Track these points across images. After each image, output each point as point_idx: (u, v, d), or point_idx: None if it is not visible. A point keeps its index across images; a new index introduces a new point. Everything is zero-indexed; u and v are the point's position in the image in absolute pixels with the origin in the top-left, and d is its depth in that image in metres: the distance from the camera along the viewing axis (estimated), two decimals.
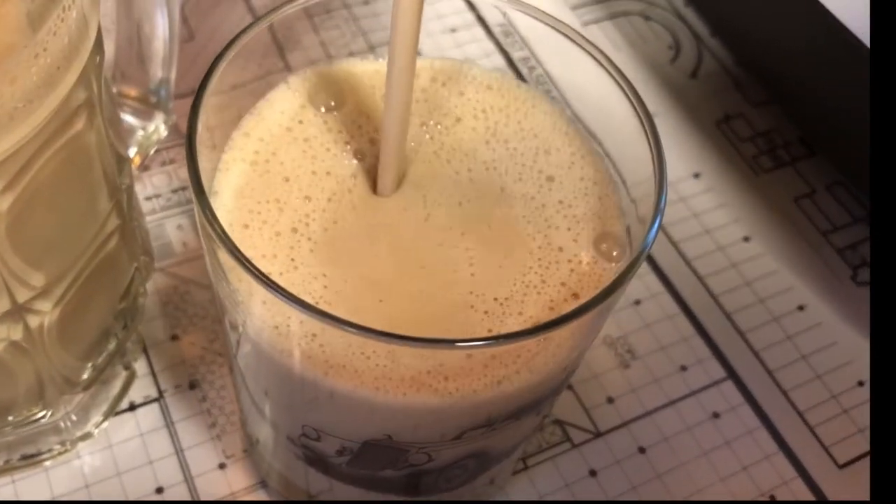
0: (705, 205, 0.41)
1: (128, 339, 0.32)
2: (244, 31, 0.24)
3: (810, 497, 0.34)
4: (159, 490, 0.32)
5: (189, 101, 0.22)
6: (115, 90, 0.34)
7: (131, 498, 0.32)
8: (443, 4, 0.44)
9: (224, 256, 0.21)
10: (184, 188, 0.39)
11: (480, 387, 0.21)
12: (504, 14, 0.27)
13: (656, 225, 0.22)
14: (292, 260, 0.23)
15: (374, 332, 0.19)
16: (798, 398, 0.36)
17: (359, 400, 0.22)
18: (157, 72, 0.33)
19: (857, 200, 0.42)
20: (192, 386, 0.34)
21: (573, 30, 0.25)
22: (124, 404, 0.34)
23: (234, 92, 0.25)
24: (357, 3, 0.44)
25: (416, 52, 0.23)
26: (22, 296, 0.25)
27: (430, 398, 0.21)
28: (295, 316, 0.20)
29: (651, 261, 0.39)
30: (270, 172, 0.24)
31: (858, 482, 0.35)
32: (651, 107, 0.24)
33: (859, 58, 0.35)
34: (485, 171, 0.25)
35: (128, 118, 0.34)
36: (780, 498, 0.34)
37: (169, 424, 0.33)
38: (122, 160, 0.28)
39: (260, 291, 0.20)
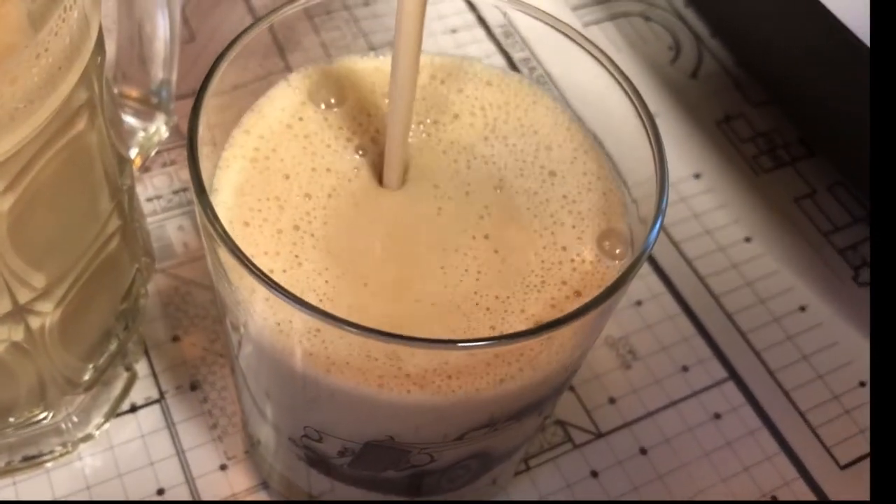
0: (706, 205, 0.41)
1: (129, 340, 0.32)
2: (245, 31, 0.24)
3: (812, 498, 0.34)
4: (160, 491, 0.32)
5: (190, 102, 0.22)
6: (116, 91, 0.34)
7: (132, 499, 0.32)
8: (444, 5, 0.44)
9: (225, 256, 0.21)
10: (185, 189, 0.39)
11: (483, 385, 0.21)
12: (505, 15, 0.27)
13: (658, 225, 0.22)
14: (296, 256, 0.23)
15: (377, 333, 0.19)
16: (799, 399, 0.36)
17: (361, 398, 0.22)
18: (158, 73, 0.33)
19: (857, 201, 0.42)
20: (194, 387, 0.34)
21: (574, 30, 0.25)
22: (125, 405, 0.34)
23: (235, 92, 0.25)
24: (357, 4, 0.44)
25: (421, 46, 0.23)
26: (23, 297, 0.25)
27: (432, 396, 0.21)
28: (297, 314, 0.20)
29: (652, 261, 0.39)
30: (270, 170, 0.24)
31: (860, 483, 0.35)
32: (651, 107, 0.24)
33: (859, 58, 0.35)
34: (484, 165, 0.25)
35: (129, 119, 0.34)
36: (781, 499, 0.34)
37: (170, 426, 0.33)
38: (124, 161, 0.28)
39: (261, 289, 0.20)
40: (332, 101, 0.26)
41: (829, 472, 0.35)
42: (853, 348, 0.38)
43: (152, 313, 0.36)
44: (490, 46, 0.43)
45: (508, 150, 0.26)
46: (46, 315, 0.26)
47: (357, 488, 0.27)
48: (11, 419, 0.29)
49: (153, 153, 0.36)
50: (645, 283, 0.39)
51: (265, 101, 0.26)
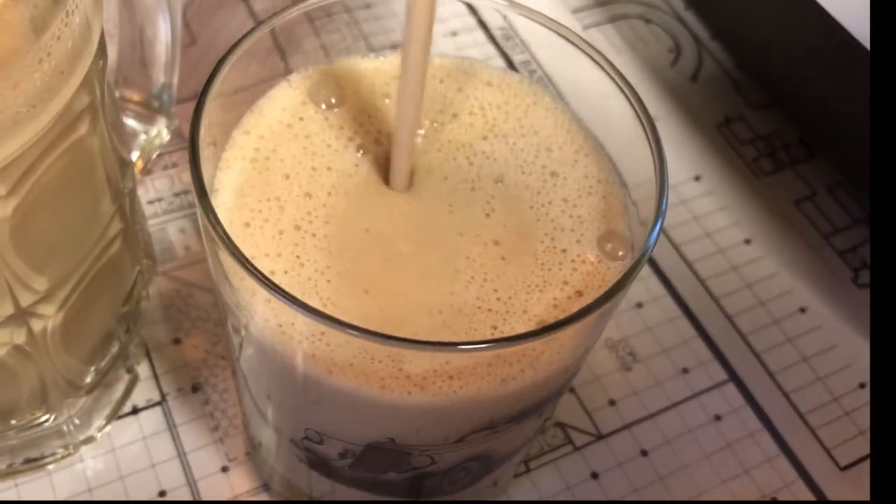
0: (706, 207, 0.41)
1: (130, 343, 0.32)
2: (246, 35, 0.24)
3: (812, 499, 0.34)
4: (162, 493, 0.32)
5: (191, 106, 0.22)
6: (117, 95, 0.34)
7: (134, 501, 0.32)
8: (444, 8, 0.43)
9: (226, 258, 0.21)
10: (186, 192, 0.39)
11: (485, 385, 0.21)
12: (505, 17, 0.27)
13: (657, 228, 0.22)
14: (297, 257, 0.23)
15: (379, 336, 0.19)
16: (799, 400, 0.36)
17: (363, 399, 0.22)
18: (159, 76, 0.33)
19: (857, 202, 0.42)
20: (195, 389, 0.34)
21: (574, 33, 0.25)
22: (127, 408, 0.34)
23: (237, 96, 0.25)
24: (358, 6, 0.44)
25: (429, 49, 0.23)
26: (25, 300, 0.25)
27: (434, 397, 0.21)
28: (299, 316, 0.20)
29: (652, 263, 0.39)
30: (271, 170, 0.24)
31: (860, 484, 0.35)
32: (651, 110, 0.24)
33: (859, 59, 0.35)
34: (486, 160, 0.25)
35: (130, 122, 0.35)
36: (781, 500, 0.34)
37: (171, 428, 0.33)
38: (125, 164, 0.28)
39: (263, 292, 0.20)
40: (333, 100, 0.26)
41: (829, 474, 0.35)
42: (853, 350, 0.38)
43: (154, 316, 0.36)
44: (490, 49, 0.44)
45: (509, 148, 0.26)
46: (48, 318, 0.26)
47: (358, 490, 0.27)
48: (13, 421, 0.29)
49: (155, 156, 0.36)
50: (645, 285, 0.39)
51: (265, 102, 0.26)
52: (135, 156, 0.35)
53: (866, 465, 0.35)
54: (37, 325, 0.26)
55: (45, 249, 0.25)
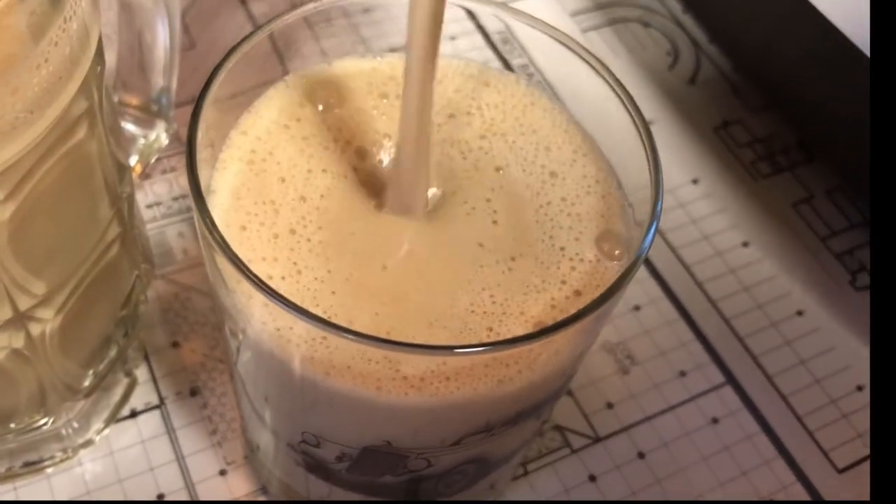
0: (704, 210, 0.41)
1: (129, 347, 0.32)
2: (244, 39, 0.24)
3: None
4: (160, 497, 0.32)
5: (190, 109, 0.22)
6: (116, 99, 0.34)
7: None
8: None
9: (223, 263, 0.21)
10: (185, 196, 0.39)
11: (481, 387, 0.22)
12: (503, 22, 0.27)
13: (652, 232, 0.22)
14: (294, 263, 0.23)
15: (376, 340, 0.19)
16: (797, 403, 0.36)
17: (359, 402, 0.22)
18: (158, 80, 0.33)
19: (855, 206, 0.42)
20: (193, 393, 0.34)
21: (570, 38, 0.25)
22: (125, 411, 0.34)
23: (235, 99, 0.25)
24: (357, 11, 0.44)
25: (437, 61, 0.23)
26: (24, 304, 0.25)
27: (430, 398, 0.21)
28: (296, 320, 0.20)
29: (650, 266, 0.39)
30: (267, 171, 0.24)
31: (858, 486, 0.35)
32: (650, 113, 0.24)
33: (857, 63, 0.35)
34: (484, 156, 0.25)
35: (129, 127, 0.35)
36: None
37: (170, 431, 0.33)
38: (123, 169, 0.28)
39: (260, 296, 0.20)
40: (331, 101, 0.26)
41: (827, 476, 0.35)
42: (850, 353, 0.38)
43: (152, 319, 0.36)
44: (489, 53, 0.44)
45: (508, 146, 0.26)
46: (47, 322, 0.26)
47: (355, 493, 0.27)
48: (12, 425, 0.29)
49: (153, 160, 0.36)
50: (643, 288, 0.39)
51: (263, 102, 0.26)
52: (133, 160, 0.35)
53: (864, 468, 0.35)
54: (35, 329, 0.26)
55: (44, 254, 0.25)
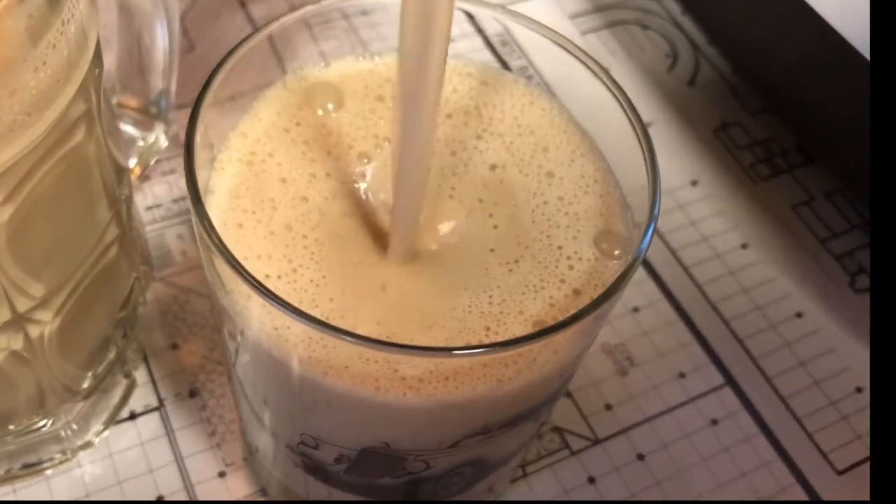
0: (703, 212, 0.41)
1: (128, 348, 0.32)
2: (243, 41, 0.24)
3: None
4: (160, 498, 0.32)
5: (189, 111, 0.22)
6: (115, 101, 0.34)
7: None
8: None
9: (221, 264, 0.21)
10: (184, 198, 0.39)
11: (480, 387, 0.22)
12: (502, 24, 0.27)
13: (650, 232, 0.22)
14: (290, 261, 0.23)
15: (373, 342, 0.19)
16: (796, 405, 0.36)
17: (358, 402, 0.22)
18: (157, 83, 0.33)
19: (854, 208, 0.42)
20: (192, 394, 0.34)
21: (569, 41, 0.25)
22: (125, 413, 0.34)
23: (234, 101, 0.25)
24: (356, 13, 0.44)
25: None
26: (22, 306, 0.25)
27: (429, 399, 0.21)
28: (294, 321, 0.20)
29: (649, 268, 0.39)
30: (267, 172, 0.24)
31: (857, 488, 0.35)
32: (649, 115, 0.24)
33: (856, 65, 0.35)
34: (480, 155, 0.25)
35: (128, 129, 0.35)
36: None
37: (169, 433, 0.33)
38: (122, 171, 0.28)
39: (258, 297, 0.20)
40: (329, 104, 0.26)
41: (826, 478, 0.35)
42: (850, 354, 0.38)
43: (151, 321, 0.36)
44: (488, 55, 0.44)
45: (505, 147, 0.26)
46: (45, 324, 0.26)
47: (354, 495, 0.27)
48: (11, 427, 0.29)
49: (152, 162, 0.36)
50: (642, 289, 0.39)
51: (262, 105, 0.26)
52: (133, 162, 0.35)
53: (863, 469, 0.35)
54: (34, 331, 0.26)
55: (42, 256, 0.25)
